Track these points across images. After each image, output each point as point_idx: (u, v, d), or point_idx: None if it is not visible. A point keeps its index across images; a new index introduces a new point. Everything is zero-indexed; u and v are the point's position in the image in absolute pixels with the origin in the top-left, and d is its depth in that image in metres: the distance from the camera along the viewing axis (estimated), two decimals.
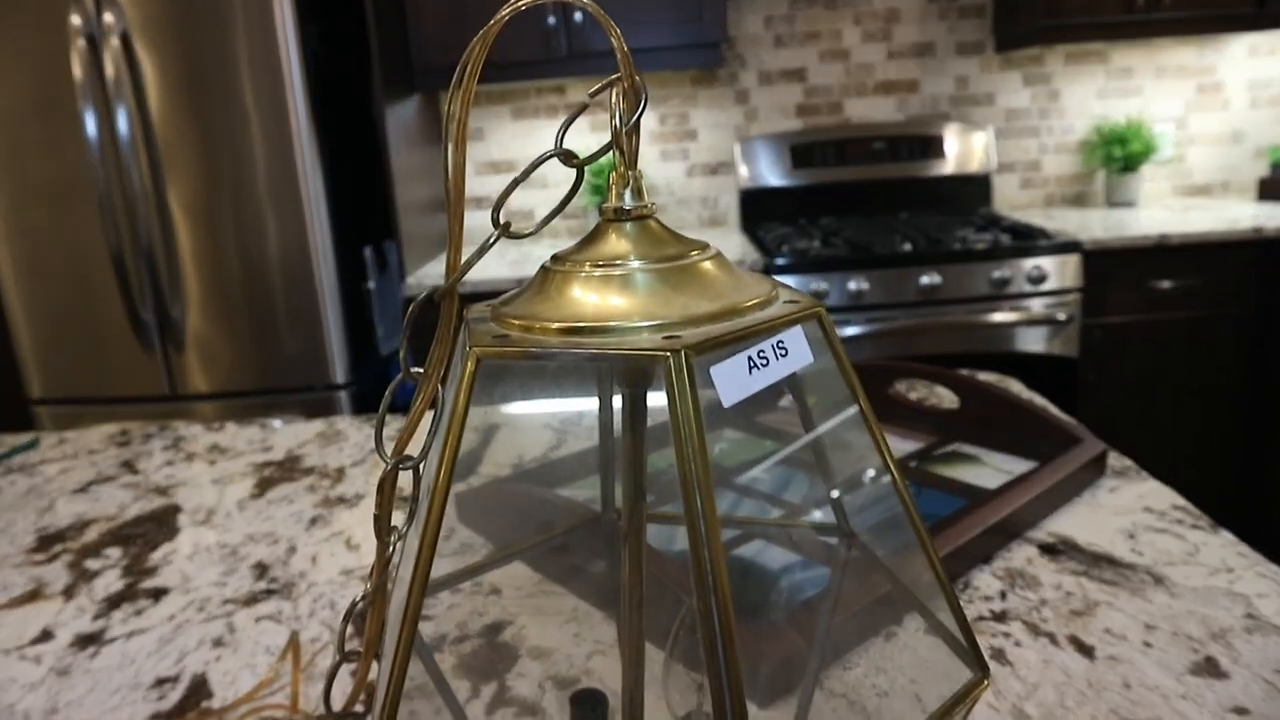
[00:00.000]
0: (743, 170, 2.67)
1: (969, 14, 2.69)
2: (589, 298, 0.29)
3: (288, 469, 0.98)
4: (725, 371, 0.26)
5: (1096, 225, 2.31)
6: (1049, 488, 0.74)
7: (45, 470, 1.03)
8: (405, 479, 0.35)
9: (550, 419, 0.53)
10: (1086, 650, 0.58)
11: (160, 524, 0.86)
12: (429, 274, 2.37)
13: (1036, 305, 2.15)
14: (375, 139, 2.27)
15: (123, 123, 1.95)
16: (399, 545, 0.35)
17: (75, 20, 1.91)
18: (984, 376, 1.09)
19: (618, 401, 0.34)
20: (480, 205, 2.64)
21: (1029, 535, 0.72)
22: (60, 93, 1.96)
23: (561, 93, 2.68)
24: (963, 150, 2.65)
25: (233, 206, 2.01)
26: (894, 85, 2.73)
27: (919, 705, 0.43)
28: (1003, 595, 0.64)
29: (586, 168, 0.31)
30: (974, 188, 2.67)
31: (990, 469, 0.82)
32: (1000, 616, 0.62)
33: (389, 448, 0.34)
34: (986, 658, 0.57)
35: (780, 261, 2.15)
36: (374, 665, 0.38)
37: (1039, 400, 1.05)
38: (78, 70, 1.93)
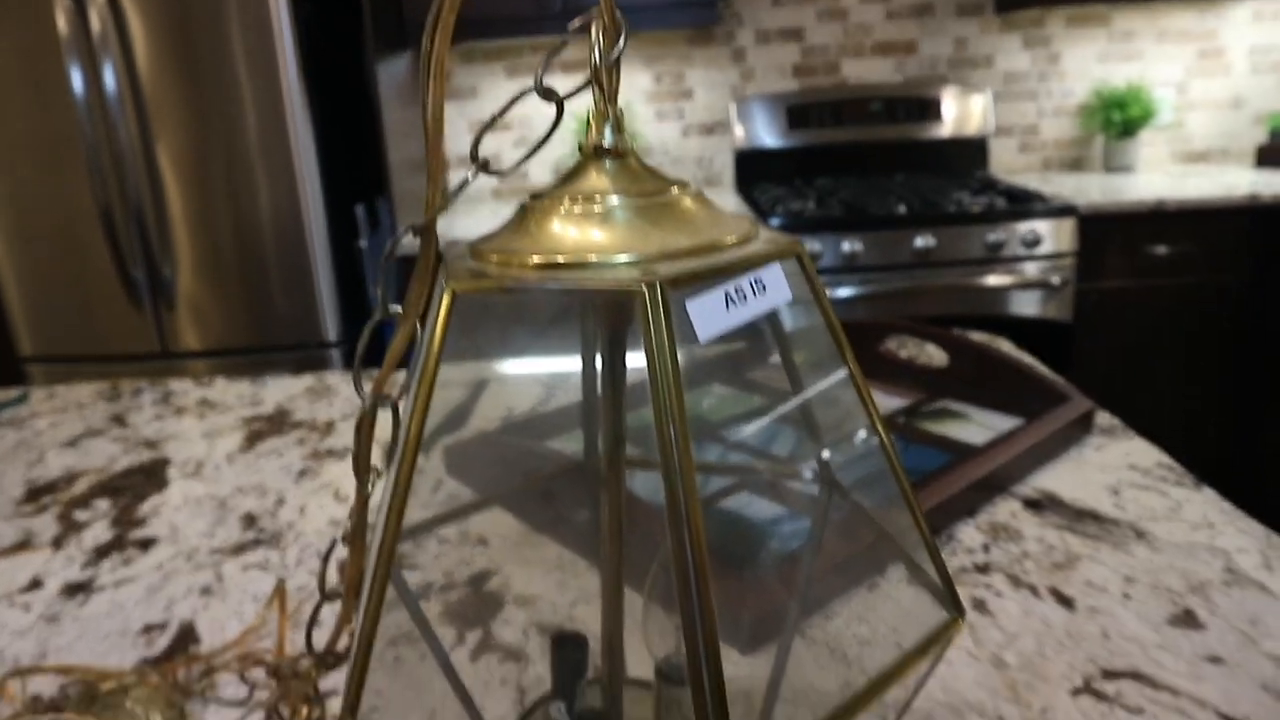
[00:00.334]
0: (738, 130, 2.65)
1: None
2: (568, 233, 0.29)
3: (277, 423, 0.98)
4: (701, 306, 0.26)
5: (1093, 190, 2.30)
6: (1034, 444, 0.74)
7: (35, 424, 1.03)
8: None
9: (536, 369, 0.53)
10: (1067, 601, 0.58)
11: (149, 476, 0.86)
12: None
13: (1031, 269, 2.15)
14: (367, 95, 2.25)
15: (109, 79, 1.92)
16: (379, 486, 0.35)
17: None
18: (974, 337, 1.09)
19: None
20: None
21: (1014, 490, 0.73)
22: (45, 49, 1.93)
23: (564, 64, 2.65)
24: (960, 113, 2.63)
25: (223, 163, 1.99)
26: (892, 46, 2.70)
27: (899, 652, 0.43)
28: (985, 548, 0.65)
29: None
30: (971, 151, 2.65)
31: (978, 426, 0.82)
32: (983, 569, 0.62)
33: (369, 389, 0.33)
34: (968, 608, 0.58)
35: (775, 222, 2.14)
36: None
37: (1028, 359, 1.06)
38: (62, 25, 1.89)
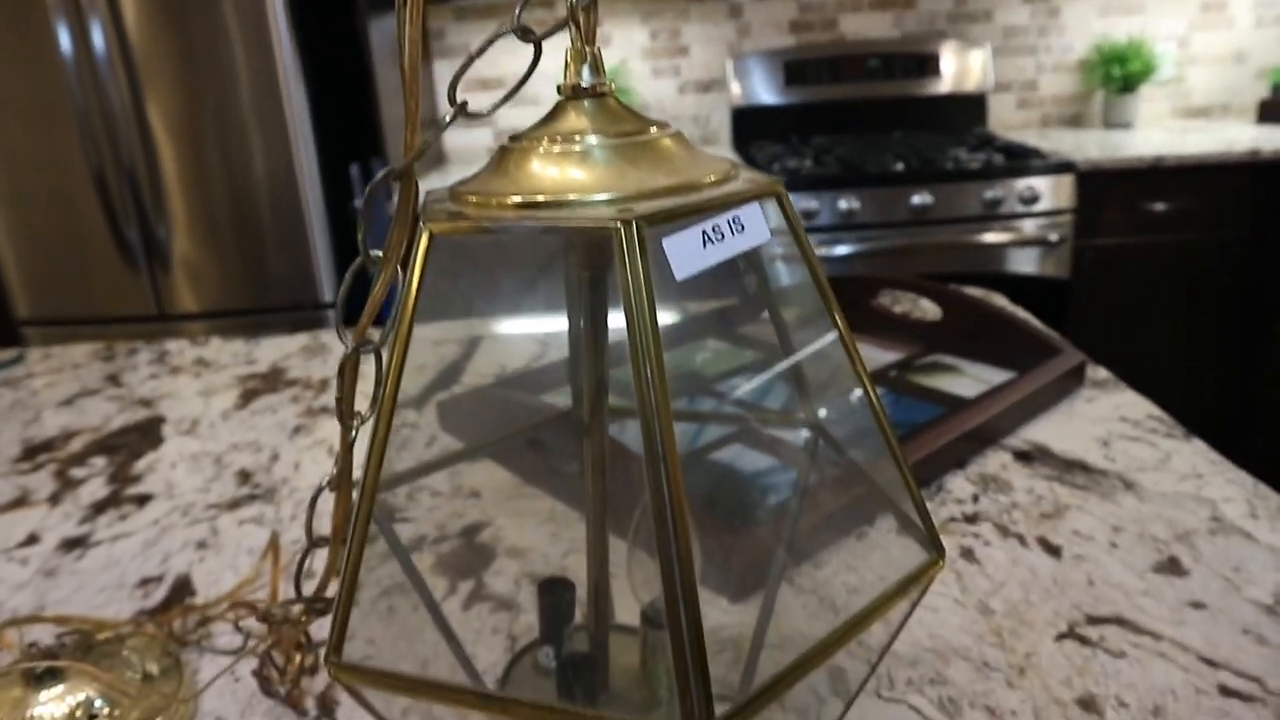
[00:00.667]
0: (735, 88, 2.62)
1: None
2: (546, 173, 0.29)
3: (271, 381, 0.98)
4: (678, 244, 0.26)
5: (1092, 146, 2.28)
6: (1025, 396, 0.75)
7: (31, 384, 1.03)
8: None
9: (521, 317, 0.53)
10: (1053, 550, 0.59)
11: (145, 434, 0.86)
12: None
13: (1029, 226, 2.13)
14: (360, 54, 2.22)
15: (98, 38, 1.90)
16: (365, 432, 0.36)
17: None
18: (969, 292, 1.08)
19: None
20: (469, 123, 2.60)
21: (1004, 442, 0.73)
22: (31, 7, 1.90)
23: (549, 6, 2.61)
24: (959, 69, 2.60)
25: (215, 124, 1.97)
26: (890, 1, 2.66)
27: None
28: (975, 498, 0.65)
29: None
30: (969, 107, 2.63)
31: (969, 379, 0.82)
32: (971, 519, 0.63)
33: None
34: (956, 557, 0.58)
35: None
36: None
37: (1021, 314, 1.05)
38: None
